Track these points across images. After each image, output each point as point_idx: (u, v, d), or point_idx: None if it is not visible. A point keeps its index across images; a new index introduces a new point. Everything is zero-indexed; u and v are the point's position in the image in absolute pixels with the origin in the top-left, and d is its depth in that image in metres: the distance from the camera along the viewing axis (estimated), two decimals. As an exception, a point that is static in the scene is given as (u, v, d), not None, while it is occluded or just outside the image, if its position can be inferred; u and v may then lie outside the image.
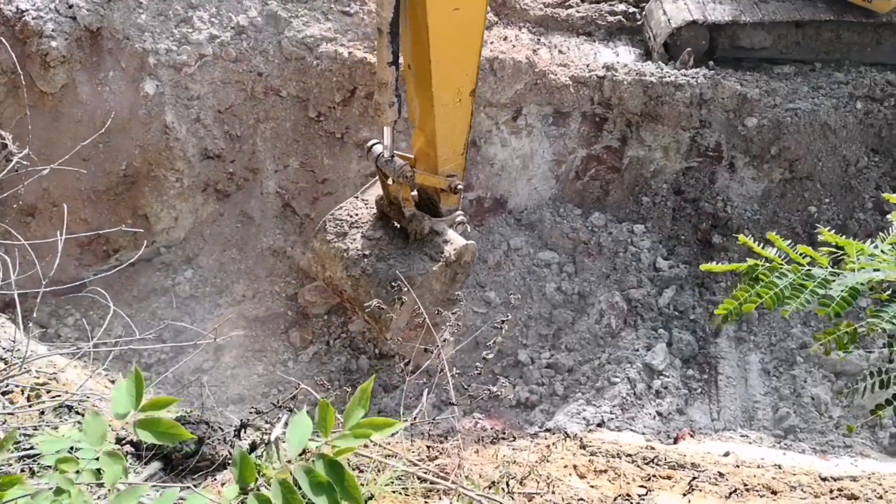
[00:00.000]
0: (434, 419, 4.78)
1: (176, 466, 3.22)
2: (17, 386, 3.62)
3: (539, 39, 10.42)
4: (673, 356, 8.92)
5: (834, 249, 2.88)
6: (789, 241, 2.88)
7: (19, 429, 3.19)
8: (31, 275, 4.13)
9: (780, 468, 5.73)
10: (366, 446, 3.13)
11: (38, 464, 2.86)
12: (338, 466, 1.82)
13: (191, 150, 9.09)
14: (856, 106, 10.17)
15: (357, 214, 7.45)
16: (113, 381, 4.97)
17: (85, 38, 8.52)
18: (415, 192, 7.23)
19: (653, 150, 10.20)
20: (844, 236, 2.85)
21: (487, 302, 9.40)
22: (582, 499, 4.14)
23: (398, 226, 7.28)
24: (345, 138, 9.41)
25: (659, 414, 8.29)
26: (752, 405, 8.61)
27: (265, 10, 9.16)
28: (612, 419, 8.07)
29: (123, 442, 3.18)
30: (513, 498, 3.77)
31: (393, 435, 2.50)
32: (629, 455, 5.51)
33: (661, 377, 8.63)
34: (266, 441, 3.24)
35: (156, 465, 3.15)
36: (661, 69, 10.01)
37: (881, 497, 4.92)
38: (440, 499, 3.53)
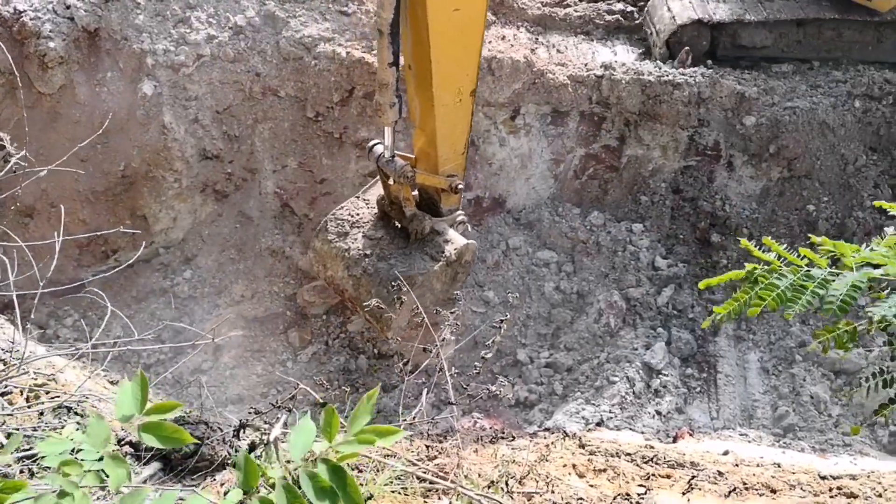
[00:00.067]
0: (433, 419, 4.78)
1: (175, 467, 3.22)
2: (15, 387, 3.62)
3: (537, 39, 10.43)
4: (672, 355, 8.93)
5: (832, 249, 2.88)
6: (788, 241, 2.89)
7: (18, 429, 3.19)
8: (29, 276, 4.13)
9: (779, 467, 5.74)
10: (366, 447, 3.13)
11: (38, 465, 2.86)
12: (341, 472, 1.83)
13: (189, 150, 9.08)
14: (854, 104, 10.17)
15: (358, 214, 7.47)
16: (112, 382, 4.97)
17: (83, 39, 8.51)
18: (415, 192, 7.25)
19: (651, 149, 10.20)
20: (843, 235, 2.86)
21: (486, 301, 9.40)
22: (581, 498, 4.14)
23: (399, 225, 7.29)
24: (343, 138, 9.41)
25: (658, 413, 8.29)
26: (751, 404, 8.62)
27: (263, 10, 9.15)
28: (612, 418, 8.07)
29: (122, 442, 3.18)
30: (512, 497, 3.77)
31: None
32: (628, 454, 5.52)
33: (660, 376, 8.64)
34: (265, 441, 3.25)
35: (155, 466, 3.16)
36: (660, 68, 10.02)
37: (880, 495, 4.93)
38: (439, 498, 3.53)
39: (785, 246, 2.93)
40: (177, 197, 9.25)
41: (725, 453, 6.35)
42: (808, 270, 2.80)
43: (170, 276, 9.32)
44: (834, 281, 2.67)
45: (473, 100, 6.65)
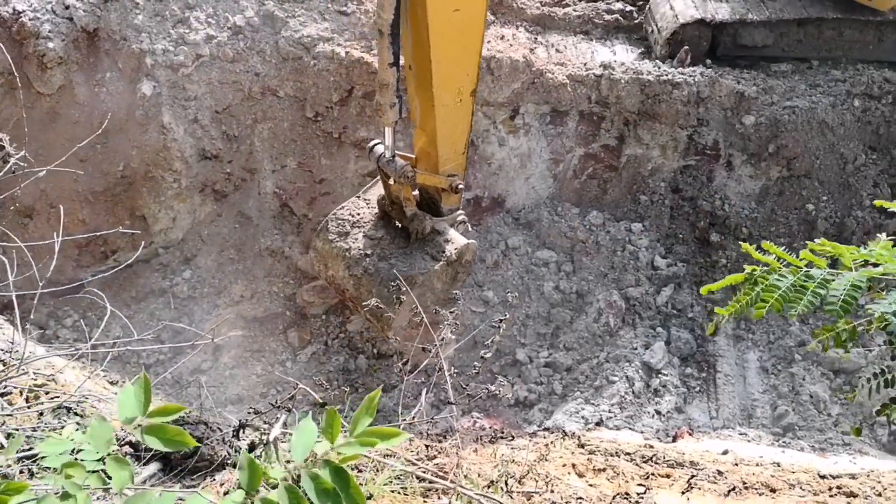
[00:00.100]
0: (433, 418, 4.79)
1: (175, 467, 3.23)
2: (15, 387, 3.62)
3: (536, 38, 10.43)
4: (671, 354, 8.94)
5: (831, 250, 2.89)
6: (787, 240, 2.90)
7: (18, 429, 3.19)
8: (28, 276, 4.13)
9: (778, 466, 5.74)
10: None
11: (38, 465, 2.86)
12: (343, 473, 1.84)
13: (188, 150, 9.08)
14: (853, 103, 10.18)
15: (359, 214, 7.48)
16: (112, 383, 4.97)
17: (82, 39, 8.50)
18: (416, 192, 7.25)
19: (650, 149, 10.20)
20: (843, 234, 2.87)
21: (485, 301, 9.40)
22: (581, 497, 4.15)
23: (400, 225, 7.30)
24: (342, 138, 9.41)
25: (657, 412, 8.30)
26: (750, 403, 8.62)
27: (262, 10, 9.15)
28: (611, 418, 8.08)
29: (122, 443, 3.19)
30: (511, 497, 3.78)
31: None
32: (628, 453, 5.52)
33: (660, 376, 8.64)
34: (265, 441, 3.25)
35: (155, 466, 3.16)
36: (659, 67, 10.02)
37: (880, 494, 4.93)
38: (439, 498, 3.53)
39: (783, 247, 2.94)
40: (176, 197, 9.25)
41: (725, 453, 6.36)
42: (808, 271, 2.80)
43: (169, 276, 9.32)
44: (834, 280, 2.67)
45: (474, 100, 6.66)
